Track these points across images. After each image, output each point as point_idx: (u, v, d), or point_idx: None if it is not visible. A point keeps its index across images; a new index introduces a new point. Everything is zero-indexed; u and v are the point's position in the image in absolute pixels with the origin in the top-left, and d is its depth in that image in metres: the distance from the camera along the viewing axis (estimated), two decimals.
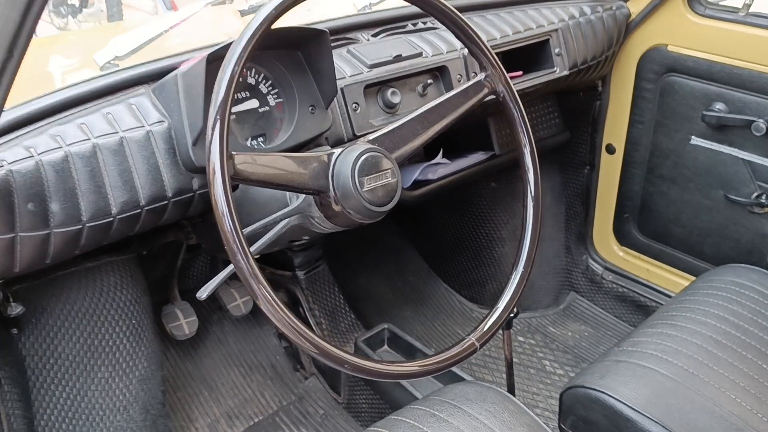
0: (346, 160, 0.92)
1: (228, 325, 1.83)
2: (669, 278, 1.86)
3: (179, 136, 1.03)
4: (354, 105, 1.25)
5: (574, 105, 1.90)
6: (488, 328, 0.99)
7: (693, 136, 1.64)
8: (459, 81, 1.40)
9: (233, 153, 0.80)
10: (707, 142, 1.62)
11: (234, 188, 0.86)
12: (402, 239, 2.17)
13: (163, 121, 1.04)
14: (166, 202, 1.04)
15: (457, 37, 1.05)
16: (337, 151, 0.93)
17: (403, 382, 1.48)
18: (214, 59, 0.95)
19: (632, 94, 1.74)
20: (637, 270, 1.93)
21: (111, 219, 1.00)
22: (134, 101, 1.05)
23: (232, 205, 0.77)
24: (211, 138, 0.78)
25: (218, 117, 0.78)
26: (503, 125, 1.71)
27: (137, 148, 1.01)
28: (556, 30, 1.59)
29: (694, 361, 1.10)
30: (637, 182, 1.82)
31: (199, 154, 1.02)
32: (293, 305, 1.78)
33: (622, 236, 1.95)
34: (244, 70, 1.12)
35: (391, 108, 1.32)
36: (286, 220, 0.95)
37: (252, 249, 0.81)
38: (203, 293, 0.84)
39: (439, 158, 1.70)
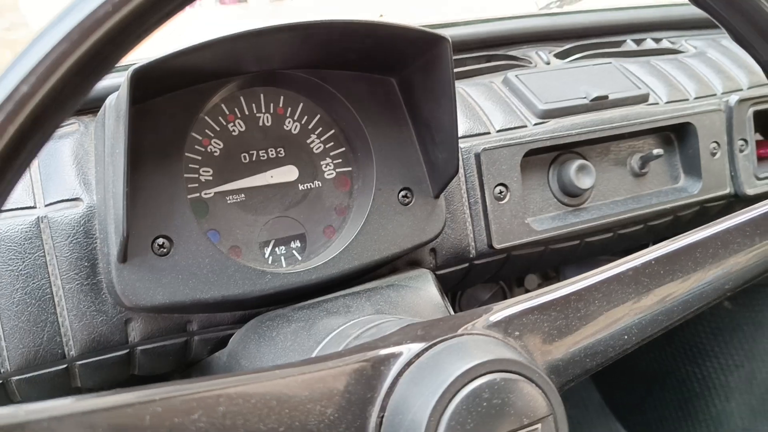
0: (418, 388, 0.33)
1: None
2: None
3: (103, 236, 0.49)
4: (499, 189, 0.63)
5: None
6: None
7: None
8: (714, 155, 0.73)
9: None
10: None
11: None
12: None
13: (77, 201, 0.50)
14: (65, 365, 0.51)
15: None
16: (403, 352, 0.34)
17: None
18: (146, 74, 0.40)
19: None
20: None
21: None
22: (52, 147, 0.52)
23: None
24: None
25: None
26: None
27: (16, 250, 0.48)
28: None
29: None
30: None
31: (129, 279, 0.47)
32: None
33: None
34: (279, 105, 0.56)
35: (574, 196, 0.69)
36: None
37: None
38: None
39: None
